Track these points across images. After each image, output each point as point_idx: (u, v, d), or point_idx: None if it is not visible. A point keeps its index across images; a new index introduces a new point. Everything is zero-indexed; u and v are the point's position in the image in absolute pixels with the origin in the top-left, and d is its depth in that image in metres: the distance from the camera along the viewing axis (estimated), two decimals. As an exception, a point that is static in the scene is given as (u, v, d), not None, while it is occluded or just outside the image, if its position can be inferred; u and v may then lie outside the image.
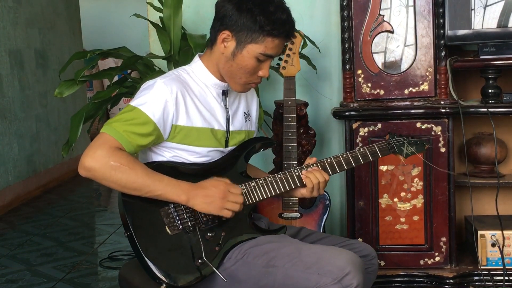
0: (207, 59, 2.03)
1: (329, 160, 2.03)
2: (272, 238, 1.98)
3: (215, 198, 1.87)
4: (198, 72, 2.04)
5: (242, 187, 1.96)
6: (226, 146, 2.05)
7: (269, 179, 2.00)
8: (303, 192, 2.07)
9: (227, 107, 2.06)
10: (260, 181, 1.99)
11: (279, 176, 2.00)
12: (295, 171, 2.01)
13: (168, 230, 1.88)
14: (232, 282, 1.91)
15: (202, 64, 2.04)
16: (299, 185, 2.01)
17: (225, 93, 2.06)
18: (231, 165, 2.03)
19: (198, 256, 1.87)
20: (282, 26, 1.92)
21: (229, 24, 1.93)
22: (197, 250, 1.88)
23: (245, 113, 2.14)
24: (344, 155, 2.04)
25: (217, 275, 1.88)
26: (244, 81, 1.99)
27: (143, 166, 1.87)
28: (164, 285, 1.83)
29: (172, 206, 1.90)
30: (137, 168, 1.84)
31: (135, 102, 1.91)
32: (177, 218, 1.89)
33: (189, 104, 1.96)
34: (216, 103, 2.03)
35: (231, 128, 2.06)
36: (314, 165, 2.03)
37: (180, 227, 1.89)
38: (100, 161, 1.81)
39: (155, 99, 1.90)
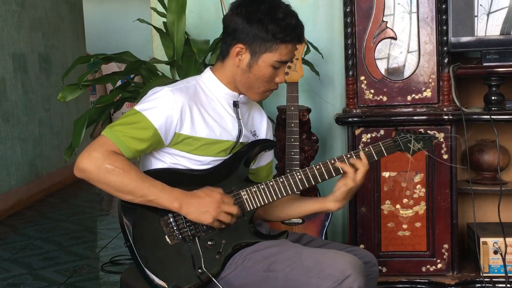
0: (218, 72, 2.02)
1: (332, 162, 2.00)
2: (272, 243, 1.96)
3: (209, 207, 1.85)
4: (208, 83, 2.02)
5: (244, 192, 1.96)
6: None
7: (271, 183, 1.97)
8: (330, 205, 2.08)
9: (239, 118, 2.04)
10: (262, 186, 1.97)
11: (281, 180, 1.98)
12: (297, 173, 1.99)
13: (168, 240, 1.88)
14: None
15: (213, 75, 2.02)
16: (301, 188, 1.99)
17: (236, 104, 2.04)
18: (232, 170, 2.00)
19: (198, 265, 1.87)
20: (294, 31, 1.94)
21: (241, 37, 1.93)
22: (197, 259, 1.87)
23: (250, 131, 2.11)
24: (349, 155, 2.00)
25: (218, 284, 1.88)
26: (262, 90, 2.00)
27: (138, 171, 1.87)
28: None
29: (171, 215, 1.89)
30: (131, 172, 1.83)
31: (139, 106, 1.92)
32: (177, 227, 1.89)
33: (195, 114, 1.94)
34: (227, 114, 2.02)
35: (241, 140, 2.03)
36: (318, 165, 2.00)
37: (180, 236, 1.88)
38: (95, 163, 1.81)
39: (159, 106, 1.89)
